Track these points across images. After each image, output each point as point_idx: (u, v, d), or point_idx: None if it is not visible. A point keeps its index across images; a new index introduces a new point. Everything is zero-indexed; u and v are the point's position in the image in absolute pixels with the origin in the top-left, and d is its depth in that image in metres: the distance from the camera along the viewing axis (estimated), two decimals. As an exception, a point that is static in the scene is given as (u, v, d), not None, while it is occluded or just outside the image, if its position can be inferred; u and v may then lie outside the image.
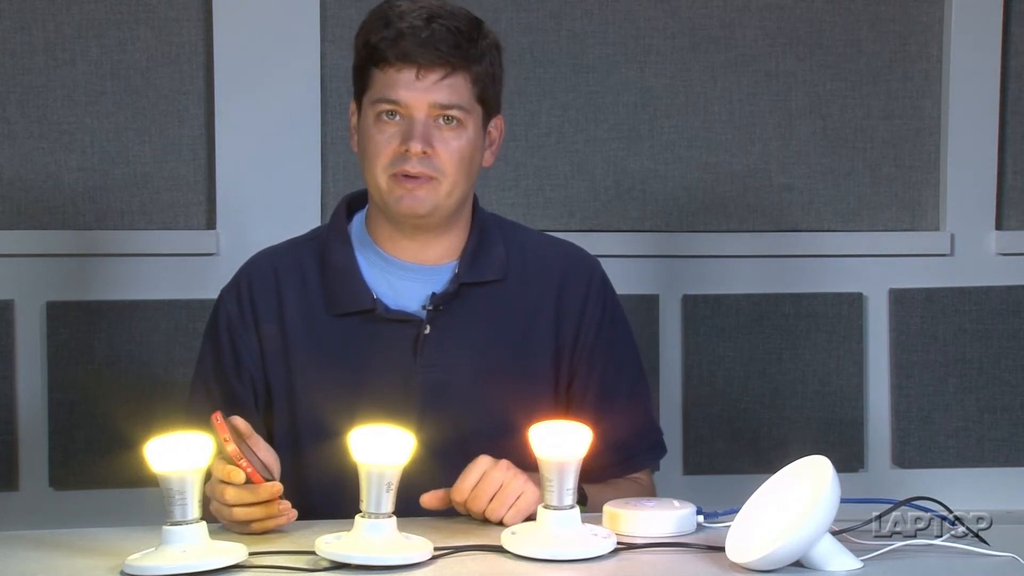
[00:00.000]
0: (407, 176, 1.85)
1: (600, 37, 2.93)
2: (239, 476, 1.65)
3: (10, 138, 2.80)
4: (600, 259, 2.06)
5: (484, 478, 1.72)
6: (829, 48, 2.98)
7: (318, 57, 2.84)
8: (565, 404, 1.96)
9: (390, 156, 1.85)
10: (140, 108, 2.83)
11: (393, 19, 1.84)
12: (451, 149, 1.85)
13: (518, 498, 1.71)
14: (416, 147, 1.83)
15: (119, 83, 2.82)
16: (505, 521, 1.71)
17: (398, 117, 1.85)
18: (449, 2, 1.90)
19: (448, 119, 1.85)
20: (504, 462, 1.74)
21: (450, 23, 1.84)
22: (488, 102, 1.90)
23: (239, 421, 1.70)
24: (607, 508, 1.71)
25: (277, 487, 1.67)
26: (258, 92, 2.81)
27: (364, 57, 1.87)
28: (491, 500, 1.72)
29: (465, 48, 1.85)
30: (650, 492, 2.01)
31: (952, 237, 2.99)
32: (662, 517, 1.68)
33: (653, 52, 2.94)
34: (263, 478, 1.67)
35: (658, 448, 2.05)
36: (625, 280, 2.85)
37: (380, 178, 1.86)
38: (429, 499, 1.75)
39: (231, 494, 1.66)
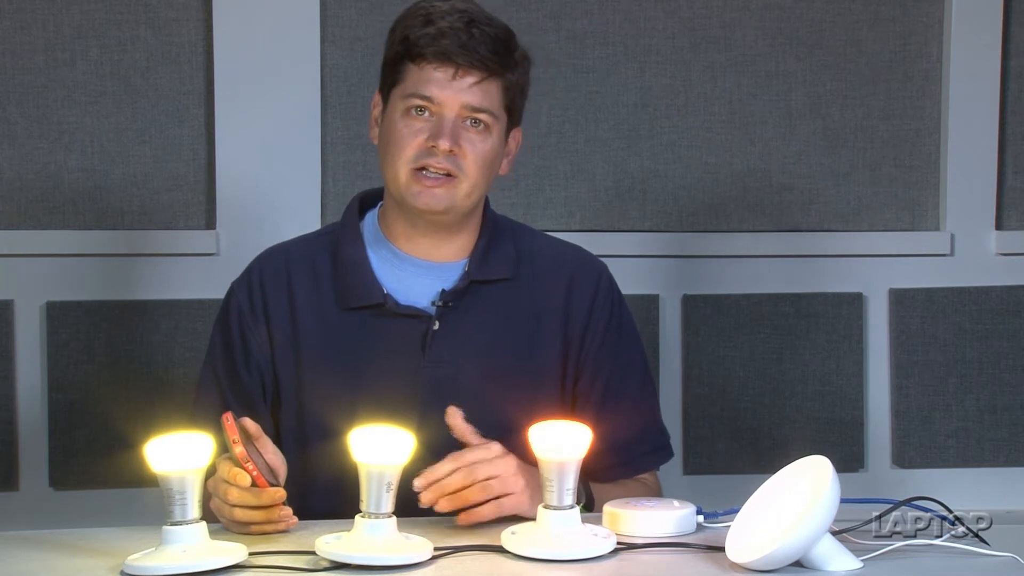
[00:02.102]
0: (428, 174, 1.86)
1: (600, 37, 2.93)
2: (244, 479, 1.65)
3: (10, 138, 2.80)
4: (600, 259, 2.06)
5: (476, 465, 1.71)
6: (829, 48, 2.98)
7: (318, 57, 2.84)
8: (570, 405, 1.96)
9: (415, 150, 1.87)
10: (140, 108, 2.83)
11: (435, 17, 1.86)
12: (477, 151, 1.87)
13: (505, 496, 1.71)
14: (445, 144, 1.85)
15: (119, 83, 2.82)
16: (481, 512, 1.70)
17: (427, 113, 1.87)
18: (482, 8, 1.91)
19: (476, 122, 1.88)
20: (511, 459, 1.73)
21: (490, 30, 1.87)
22: (513, 112, 1.94)
23: (249, 423, 1.70)
24: (607, 508, 1.71)
25: (280, 494, 1.67)
26: (258, 92, 2.81)
27: (400, 52, 1.89)
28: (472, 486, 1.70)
29: (502, 55, 1.88)
30: (656, 493, 2.01)
31: (952, 237, 2.99)
32: (662, 517, 1.68)
33: (653, 52, 2.94)
34: (268, 483, 1.67)
35: (662, 451, 2.05)
36: (625, 280, 2.82)
37: (401, 171, 1.88)
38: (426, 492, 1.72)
39: (234, 494, 1.66)
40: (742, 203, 2.97)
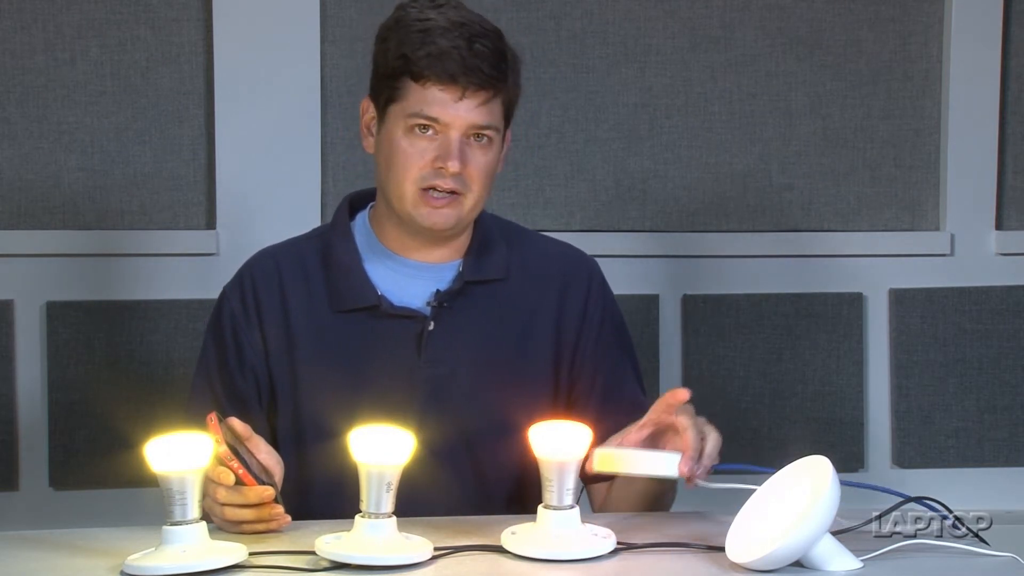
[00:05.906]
0: (435, 194, 1.85)
1: (600, 37, 2.93)
2: (228, 477, 1.64)
3: (10, 138, 2.80)
4: (600, 259, 2.06)
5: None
6: (829, 48, 2.98)
7: (318, 57, 2.84)
8: (565, 404, 1.96)
9: (422, 170, 1.84)
10: (140, 108, 2.83)
11: (434, 35, 1.82)
12: (480, 166, 1.86)
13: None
14: (455, 166, 1.83)
15: (119, 83, 2.82)
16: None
17: (431, 131, 1.84)
18: (469, 10, 1.88)
19: (480, 137, 1.86)
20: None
21: (488, 43, 1.84)
22: (510, 117, 1.93)
23: (237, 423, 1.70)
24: (599, 451, 1.71)
25: (268, 491, 1.66)
26: (258, 92, 2.81)
27: (398, 68, 1.84)
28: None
29: (503, 68, 1.85)
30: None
31: (952, 237, 2.99)
32: (649, 456, 1.69)
33: (653, 52, 2.94)
34: (261, 481, 1.66)
35: None
36: (625, 280, 2.85)
37: (408, 191, 1.86)
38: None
39: (222, 494, 1.66)
40: (742, 203, 2.97)
